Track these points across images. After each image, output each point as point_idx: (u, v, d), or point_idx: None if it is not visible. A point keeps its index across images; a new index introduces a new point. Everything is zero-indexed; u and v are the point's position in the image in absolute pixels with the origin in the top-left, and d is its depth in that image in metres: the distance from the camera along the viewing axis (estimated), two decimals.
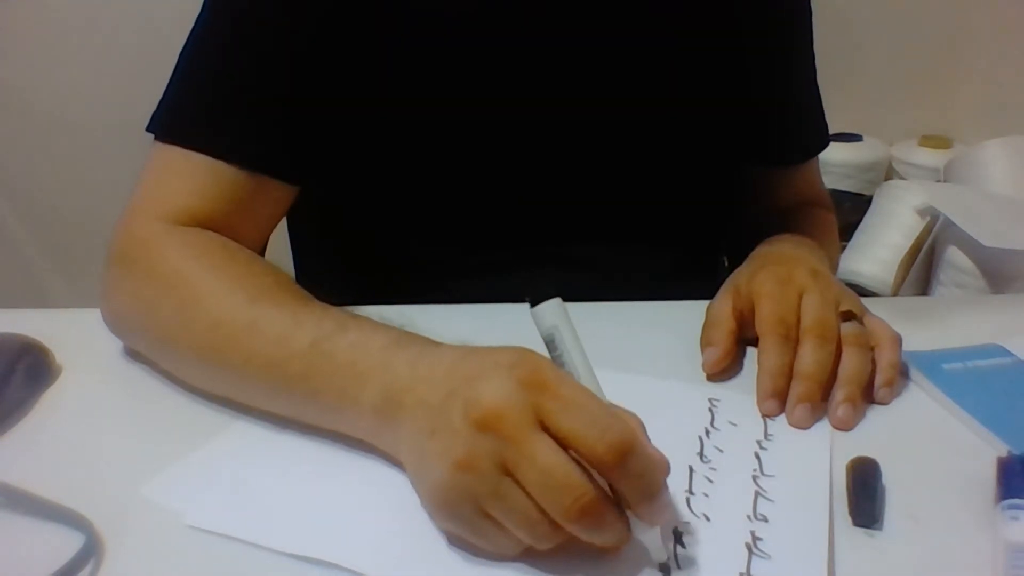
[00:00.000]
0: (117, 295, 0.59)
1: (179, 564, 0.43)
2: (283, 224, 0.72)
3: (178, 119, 0.62)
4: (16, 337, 0.58)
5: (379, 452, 0.48)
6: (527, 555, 0.41)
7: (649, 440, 0.42)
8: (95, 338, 0.61)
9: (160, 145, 0.62)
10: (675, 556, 0.42)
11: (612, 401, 0.43)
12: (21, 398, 0.55)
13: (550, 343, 0.44)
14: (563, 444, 0.39)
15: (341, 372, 0.48)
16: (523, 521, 0.39)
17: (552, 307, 0.44)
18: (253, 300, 0.53)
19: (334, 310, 0.53)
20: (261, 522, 0.45)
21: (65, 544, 0.43)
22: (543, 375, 0.41)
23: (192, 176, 0.60)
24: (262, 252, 0.66)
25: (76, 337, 0.61)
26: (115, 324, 0.60)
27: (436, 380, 0.44)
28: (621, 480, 0.39)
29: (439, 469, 0.41)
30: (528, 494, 0.39)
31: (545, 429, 0.39)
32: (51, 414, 0.55)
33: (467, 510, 0.40)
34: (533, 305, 0.44)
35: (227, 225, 0.60)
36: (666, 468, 0.41)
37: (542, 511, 0.39)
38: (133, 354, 0.60)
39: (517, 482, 0.39)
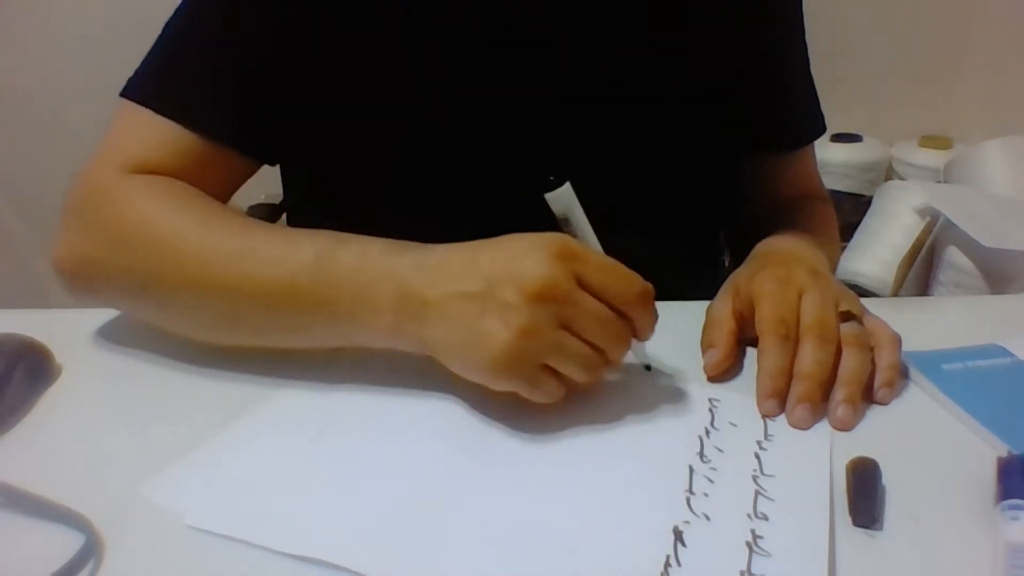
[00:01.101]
0: (80, 246, 0.58)
1: (179, 564, 0.43)
2: (281, 223, 0.72)
3: (148, 83, 0.63)
4: (16, 337, 0.58)
5: (398, 351, 0.52)
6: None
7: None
8: (95, 338, 0.62)
9: (127, 104, 0.62)
10: (676, 555, 0.42)
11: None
12: (21, 398, 0.55)
13: (564, 221, 0.53)
14: (598, 298, 0.49)
15: (351, 279, 0.51)
16: (581, 359, 0.49)
17: (566, 191, 0.52)
18: (242, 230, 0.54)
19: (323, 230, 0.54)
20: (261, 522, 0.45)
21: (65, 544, 0.43)
22: (571, 248, 0.49)
23: (154, 133, 0.61)
24: None
25: (76, 337, 0.62)
26: (75, 278, 0.59)
27: (460, 274, 0.50)
28: (643, 315, 0.51)
29: (501, 340, 0.47)
30: (583, 339, 0.49)
31: (583, 288, 0.48)
32: (51, 414, 0.55)
33: (529, 369, 0.49)
34: (547, 191, 0.52)
35: (185, 181, 0.60)
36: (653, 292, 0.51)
37: (594, 347, 0.49)
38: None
39: (574, 333, 0.48)
